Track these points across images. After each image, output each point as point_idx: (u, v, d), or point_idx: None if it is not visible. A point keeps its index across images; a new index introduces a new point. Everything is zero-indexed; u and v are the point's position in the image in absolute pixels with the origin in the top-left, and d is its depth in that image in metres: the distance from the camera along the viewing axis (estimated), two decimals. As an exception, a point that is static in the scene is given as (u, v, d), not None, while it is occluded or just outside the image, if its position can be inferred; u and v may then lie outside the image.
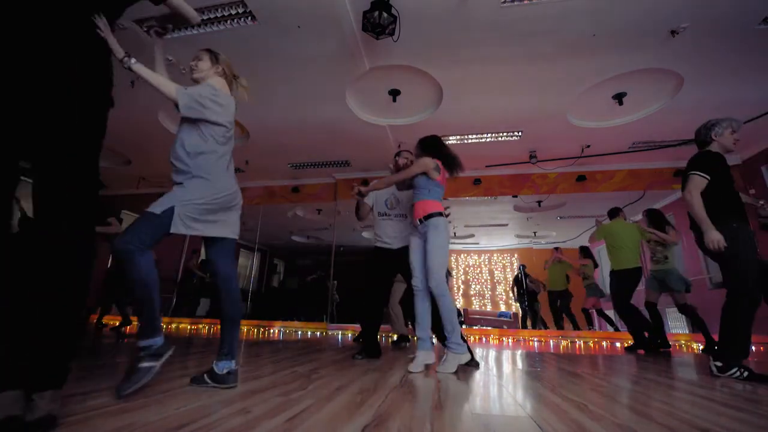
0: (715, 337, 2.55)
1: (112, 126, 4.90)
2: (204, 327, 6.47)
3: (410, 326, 4.31)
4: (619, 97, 4.20)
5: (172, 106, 4.35)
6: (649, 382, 1.93)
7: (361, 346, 2.71)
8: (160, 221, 1.39)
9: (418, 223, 2.32)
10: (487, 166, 6.09)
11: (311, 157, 6.05)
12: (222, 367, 1.47)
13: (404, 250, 2.63)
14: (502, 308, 11.20)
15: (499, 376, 2.03)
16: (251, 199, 7.18)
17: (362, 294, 2.78)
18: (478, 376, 2.00)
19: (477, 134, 5.14)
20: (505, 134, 5.10)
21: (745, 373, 2.05)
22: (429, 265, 2.19)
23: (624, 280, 3.97)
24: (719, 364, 2.12)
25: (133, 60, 1.41)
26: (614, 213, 4.35)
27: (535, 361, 2.80)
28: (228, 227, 1.58)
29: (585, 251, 6.27)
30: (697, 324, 4.09)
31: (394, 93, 4.25)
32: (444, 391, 1.56)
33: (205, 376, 1.49)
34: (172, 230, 1.40)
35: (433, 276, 2.17)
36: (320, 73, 3.86)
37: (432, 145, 2.53)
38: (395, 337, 4.30)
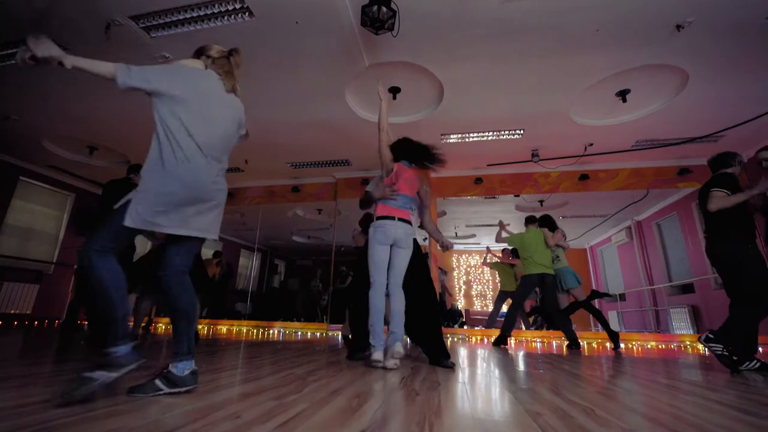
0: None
1: (111, 125, 4.85)
2: (203, 328, 6.43)
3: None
4: (622, 94, 4.14)
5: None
6: (656, 384, 1.87)
7: (354, 345, 2.63)
8: (120, 215, 1.29)
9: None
10: (488, 165, 6.03)
11: (311, 156, 6.00)
12: (183, 367, 1.34)
13: None
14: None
15: (501, 378, 1.98)
16: (251, 199, 7.14)
17: (355, 291, 2.70)
18: (479, 378, 1.95)
19: (478, 132, 5.08)
20: (506, 132, 5.04)
21: (757, 365, 2.33)
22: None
23: (523, 285, 4.33)
24: (712, 336, 2.38)
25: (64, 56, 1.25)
26: (530, 221, 4.61)
27: (537, 362, 2.74)
28: (194, 225, 1.41)
29: (514, 252, 6.19)
30: (597, 317, 4.24)
31: (395, 90, 4.20)
32: (444, 394, 1.50)
33: (158, 381, 1.30)
34: (126, 222, 1.28)
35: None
36: (319, 70, 3.81)
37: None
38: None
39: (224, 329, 6.25)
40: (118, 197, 3.39)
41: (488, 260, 6.49)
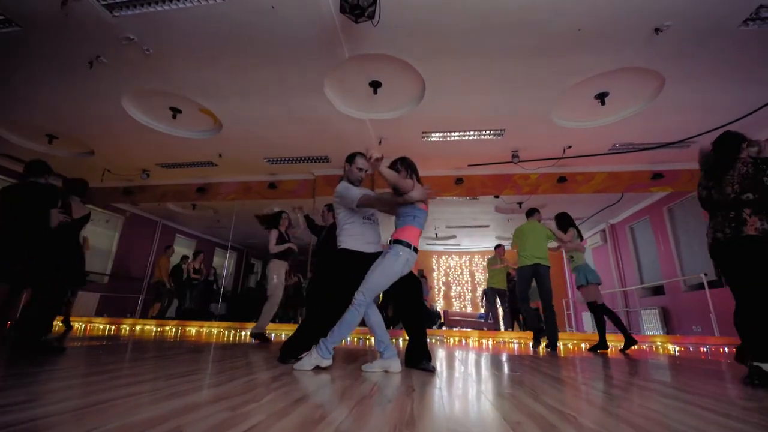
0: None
1: (72, 113, 4.50)
2: (170, 329, 6.12)
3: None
4: (601, 97, 4.17)
5: (137, 90, 3.97)
6: (637, 388, 1.83)
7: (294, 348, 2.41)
8: None
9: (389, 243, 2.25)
10: (469, 165, 6.00)
11: (289, 151, 5.81)
12: None
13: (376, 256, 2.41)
14: (482, 310, 11.20)
15: (479, 381, 1.89)
16: (225, 195, 6.86)
17: (332, 300, 2.41)
18: (456, 383, 1.86)
19: (460, 132, 5.03)
20: (487, 132, 5.01)
21: None
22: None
23: (518, 278, 4.36)
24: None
25: None
26: (530, 213, 4.66)
27: (515, 365, 2.68)
28: None
29: None
30: (599, 322, 4.21)
31: (375, 85, 4.08)
32: (418, 401, 1.39)
33: None
34: None
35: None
36: (297, 60, 3.65)
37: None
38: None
39: (194, 331, 5.97)
40: (23, 206, 2.76)
41: (499, 264, 6.56)
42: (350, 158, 2.58)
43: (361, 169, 2.55)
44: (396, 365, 2.09)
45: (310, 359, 2.06)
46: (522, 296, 4.37)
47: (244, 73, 3.88)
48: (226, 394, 1.39)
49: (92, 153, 5.96)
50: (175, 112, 4.69)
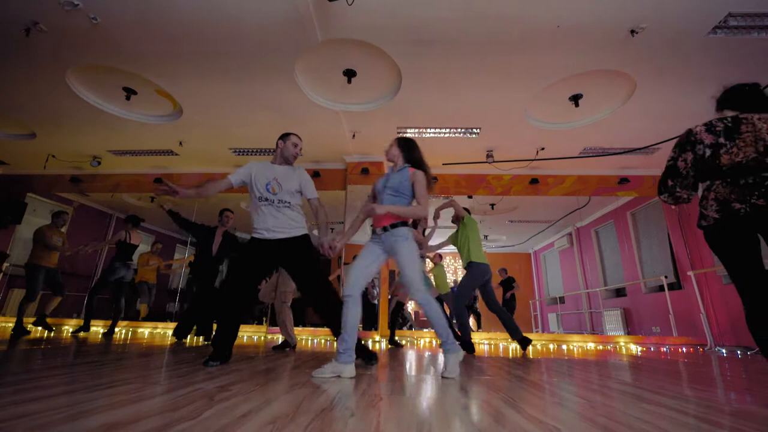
0: None
1: (7, 88, 3.99)
2: (120, 331, 5.62)
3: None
4: (575, 99, 4.19)
5: (84, 66, 3.55)
6: (615, 392, 1.74)
7: (213, 350, 2.29)
8: None
9: (381, 230, 2.16)
10: (444, 164, 5.93)
11: (256, 142, 5.50)
12: None
13: (284, 243, 2.41)
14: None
15: (452, 388, 1.74)
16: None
17: (225, 288, 2.38)
18: (428, 390, 1.70)
19: (435, 128, 4.93)
20: (463, 130, 4.94)
21: None
22: (412, 276, 2.07)
23: (474, 273, 3.74)
24: None
25: None
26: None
27: (483, 366, 2.57)
28: None
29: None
30: (506, 320, 3.81)
31: (350, 74, 3.89)
32: (386, 413, 1.22)
33: None
34: None
35: (418, 288, 2.08)
36: (265, 40, 3.39)
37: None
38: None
39: (145, 332, 5.51)
40: None
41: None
42: (285, 136, 2.63)
43: (296, 145, 2.62)
44: (350, 370, 1.94)
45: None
46: (467, 295, 3.77)
47: (205, 51, 3.57)
48: (158, 409, 1.16)
49: (33, 135, 5.38)
50: (129, 92, 4.29)
